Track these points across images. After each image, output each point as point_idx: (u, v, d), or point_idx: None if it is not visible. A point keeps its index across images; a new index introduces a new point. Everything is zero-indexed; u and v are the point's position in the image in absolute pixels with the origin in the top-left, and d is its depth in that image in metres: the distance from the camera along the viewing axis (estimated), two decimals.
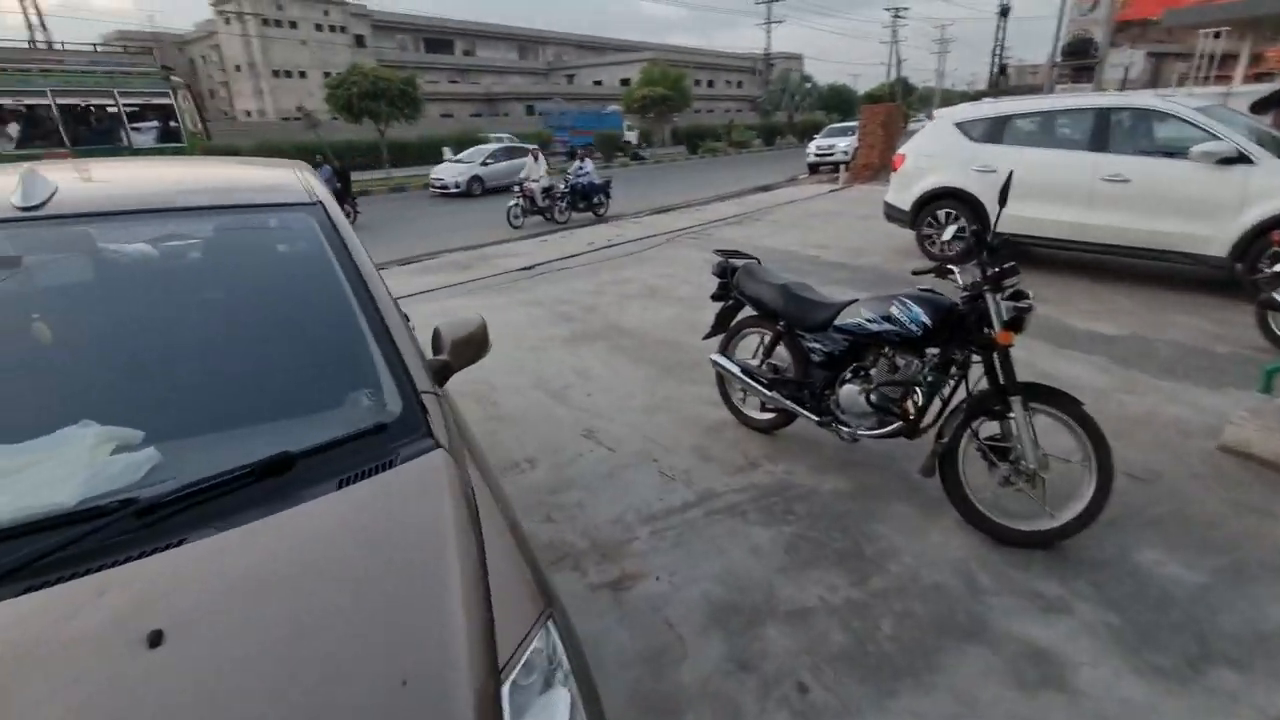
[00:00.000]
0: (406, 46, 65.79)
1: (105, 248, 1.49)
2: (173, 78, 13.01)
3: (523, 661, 1.00)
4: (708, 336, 3.65)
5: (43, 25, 22.54)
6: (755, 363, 3.41)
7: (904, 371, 2.75)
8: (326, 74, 22.16)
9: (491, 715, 0.90)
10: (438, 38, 68.38)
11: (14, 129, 10.79)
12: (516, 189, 12.70)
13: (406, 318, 2.45)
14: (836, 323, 2.87)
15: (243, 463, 1.13)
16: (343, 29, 56.32)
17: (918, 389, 2.69)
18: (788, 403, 3.14)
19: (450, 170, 18.86)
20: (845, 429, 2.93)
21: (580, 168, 12.84)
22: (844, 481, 3.04)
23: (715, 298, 3.52)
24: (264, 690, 0.85)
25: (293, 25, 53.06)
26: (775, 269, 3.45)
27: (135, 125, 12.02)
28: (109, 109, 11.77)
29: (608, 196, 13.08)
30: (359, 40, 57.32)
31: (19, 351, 1.38)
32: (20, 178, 1.43)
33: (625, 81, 53.20)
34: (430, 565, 1.05)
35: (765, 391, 3.22)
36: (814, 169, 20.52)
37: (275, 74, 51.85)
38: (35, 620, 0.89)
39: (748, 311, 3.42)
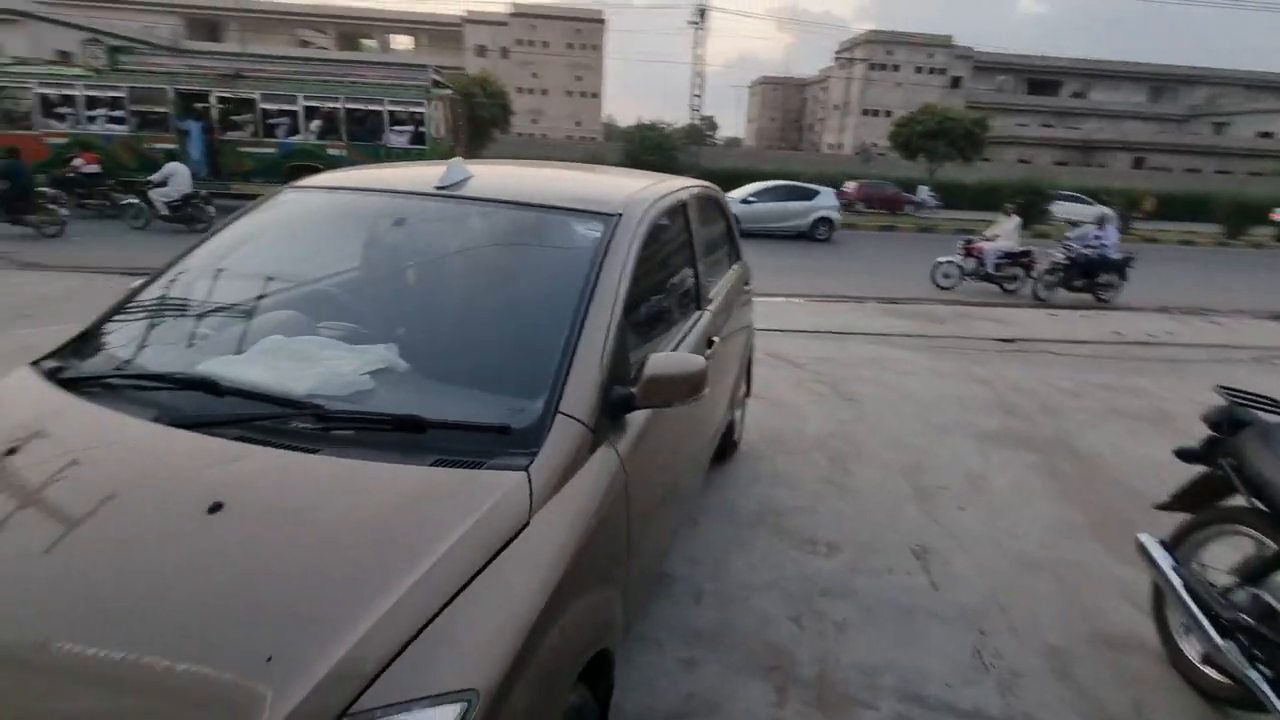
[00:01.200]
0: (1006, 88, 62.63)
1: (463, 225, 1.92)
2: (435, 89, 14.78)
3: None
4: (1164, 508, 2.37)
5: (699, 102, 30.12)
6: (1225, 582, 2.05)
7: None
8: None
9: None
10: (1044, 78, 62.54)
11: (315, 125, 14.15)
12: (961, 243, 10.19)
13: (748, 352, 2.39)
14: None
15: (408, 414, 1.31)
16: (942, 71, 57.28)
17: None
18: (1253, 675, 1.79)
19: None
20: None
21: (1097, 235, 9.69)
22: None
23: (1186, 456, 2.23)
24: (196, 587, 1.00)
25: (895, 69, 56.82)
26: None
27: (395, 128, 14.23)
28: (379, 114, 14.29)
29: (1123, 278, 9.63)
30: (955, 82, 57.40)
31: (395, 284, 1.93)
32: (446, 168, 1.95)
33: None
34: (386, 574, 1.01)
35: (1215, 637, 1.91)
36: None
37: (864, 113, 56.85)
38: (177, 453, 1.25)
39: (1243, 500, 2.05)
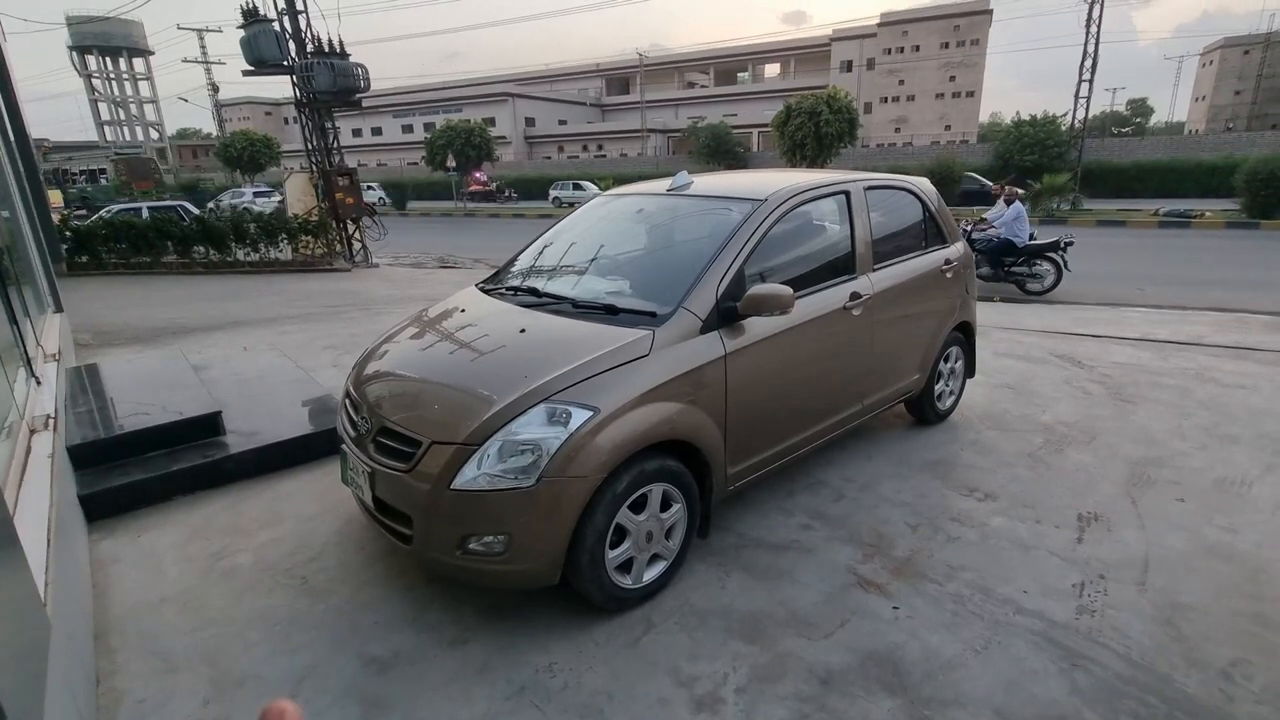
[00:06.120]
0: None
1: (676, 210, 3.08)
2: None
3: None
4: None
5: None
6: None
7: None
8: None
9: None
10: None
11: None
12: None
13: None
14: None
15: (610, 304, 2.54)
16: None
17: None
18: None
19: None
20: None
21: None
22: None
23: None
24: (508, 357, 2.34)
25: None
26: None
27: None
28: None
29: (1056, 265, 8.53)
30: None
31: (636, 247, 3.18)
32: (673, 178, 3.15)
33: None
34: (579, 358, 2.18)
35: None
36: None
37: None
38: (515, 313, 2.65)
39: None
